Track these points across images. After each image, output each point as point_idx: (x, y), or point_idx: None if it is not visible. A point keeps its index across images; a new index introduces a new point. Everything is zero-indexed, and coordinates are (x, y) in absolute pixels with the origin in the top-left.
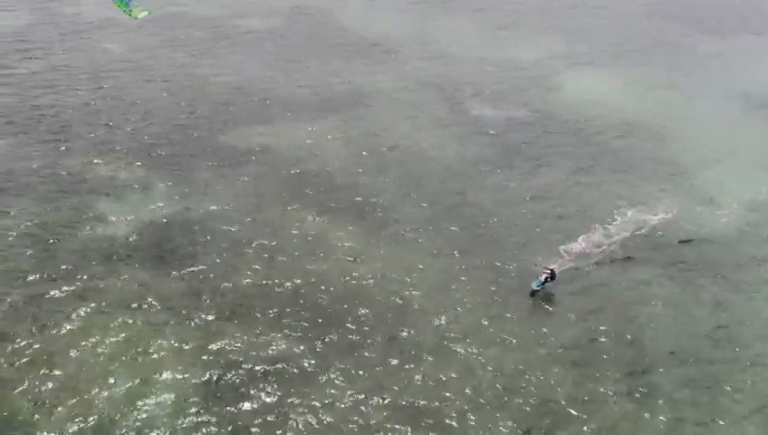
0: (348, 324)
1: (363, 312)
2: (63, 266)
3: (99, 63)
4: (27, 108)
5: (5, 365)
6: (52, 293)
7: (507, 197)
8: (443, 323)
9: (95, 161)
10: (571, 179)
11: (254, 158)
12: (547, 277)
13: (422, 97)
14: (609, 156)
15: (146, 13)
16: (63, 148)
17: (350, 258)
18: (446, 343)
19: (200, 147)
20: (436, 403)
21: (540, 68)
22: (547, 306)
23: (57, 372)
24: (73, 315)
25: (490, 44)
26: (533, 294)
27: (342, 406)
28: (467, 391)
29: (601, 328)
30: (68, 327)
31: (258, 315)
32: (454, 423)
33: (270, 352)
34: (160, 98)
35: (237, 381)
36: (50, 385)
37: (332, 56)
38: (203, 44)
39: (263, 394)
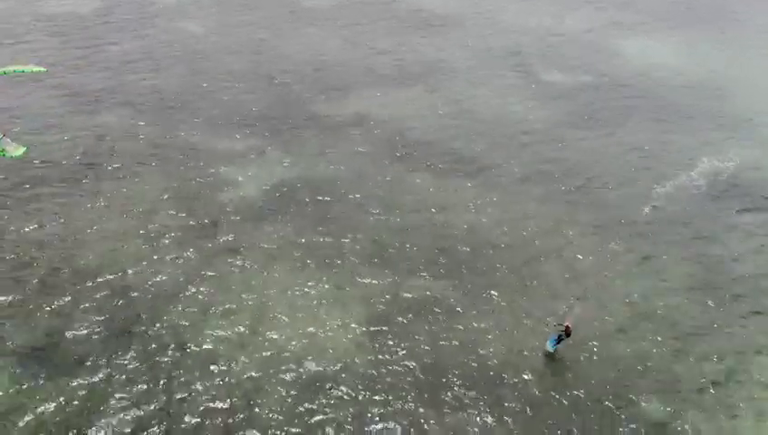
0: (481, 266)
1: (492, 255)
2: (210, 226)
3: (186, 43)
4: (130, 87)
5: (190, 311)
6: (208, 250)
7: (595, 151)
8: (566, 262)
9: (209, 133)
10: (648, 134)
11: (351, 124)
12: (561, 335)
13: (492, 66)
14: (680, 112)
15: (24, 149)
16: (175, 123)
17: (467, 210)
18: (572, 278)
19: (299, 116)
20: (581, 330)
21: (598, 36)
22: (656, 244)
23: (229, 317)
24: (235, 267)
25: (547, 14)
26: (548, 355)
27: (491, 336)
28: (602, 318)
29: (708, 261)
30: (232, 277)
31: (399, 262)
32: (595, 342)
33: (418, 292)
34: (251, 73)
35: (395, 318)
36: (223, 328)
37: (398, 29)
38: (276, 22)
39: (419, 328)
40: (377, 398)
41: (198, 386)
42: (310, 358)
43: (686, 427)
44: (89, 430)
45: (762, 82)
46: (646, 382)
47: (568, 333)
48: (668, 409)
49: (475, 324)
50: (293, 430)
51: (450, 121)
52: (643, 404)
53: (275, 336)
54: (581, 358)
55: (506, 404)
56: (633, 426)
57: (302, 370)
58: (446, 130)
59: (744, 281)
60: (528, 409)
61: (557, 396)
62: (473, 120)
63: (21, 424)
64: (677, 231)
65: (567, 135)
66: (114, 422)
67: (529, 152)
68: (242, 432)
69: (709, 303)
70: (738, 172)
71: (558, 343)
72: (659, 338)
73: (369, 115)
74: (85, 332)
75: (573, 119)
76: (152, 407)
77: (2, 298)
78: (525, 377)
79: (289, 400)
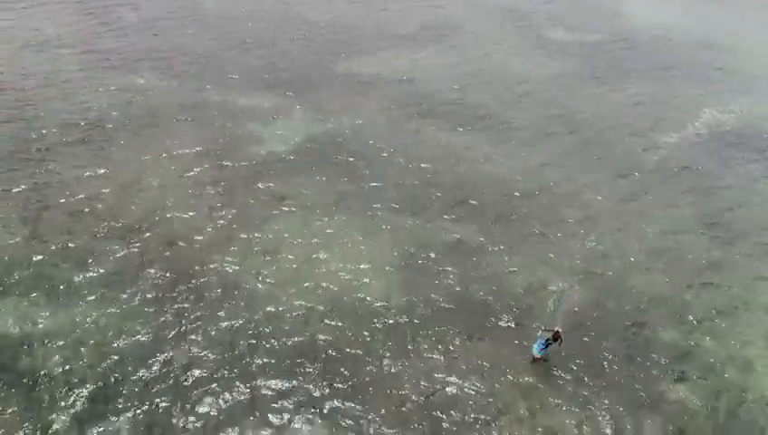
0: (501, 210)
1: (510, 199)
2: (243, 177)
3: (201, 7)
4: (150, 49)
5: (230, 251)
6: (242, 198)
7: (600, 103)
8: (580, 204)
9: (233, 92)
10: (650, 88)
11: (367, 82)
12: (549, 340)
13: (497, 24)
14: (680, 68)
15: None
16: (199, 82)
17: (483, 159)
18: (586, 219)
19: (319, 76)
20: (598, 266)
21: None
22: (664, 186)
23: (267, 257)
24: (270, 214)
25: None
26: (535, 361)
27: (515, 273)
28: (620, 254)
29: (712, 200)
30: (268, 223)
31: (424, 207)
32: (616, 281)
33: (444, 234)
34: (266, 35)
35: (425, 256)
36: (263, 266)
37: None
38: None
39: (448, 265)
40: (410, 326)
41: (245, 316)
42: (346, 291)
43: (700, 352)
44: (148, 361)
45: (757, 38)
46: (660, 312)
47: (556, 337)
48: (682, 335)
49: (500, 262)
50: (335, 354)
51: (460, 78)
52: (659, 331)
53: (313, 273)
54: (600, 291)
55: (532, 332)
56: (650, 352)
57: (339, 302)
58: (456, 85)
59: (746, 218)
60: None
61: (577, 325)
62: (481, 75)
63: (85, 350)
64: (683, 175)
65: (573, 88)
66: (169, 351)
67: (536, 105)
68: (287, 358)
69: (715, 238)
70: (738, 121)
71: (546, 347)
72: (670, 271)
73: (382, 73)
74: (133, 271)
75: (578, 73)
76: (203, 338)
77: (57, 242)
78: (548, 307)
79: (329, 329)
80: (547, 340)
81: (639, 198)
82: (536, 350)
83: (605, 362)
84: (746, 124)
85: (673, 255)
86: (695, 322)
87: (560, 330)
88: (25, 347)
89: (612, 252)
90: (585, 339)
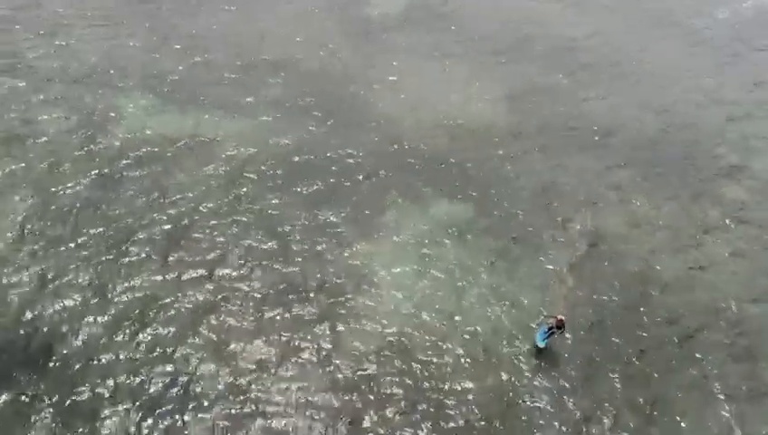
0: (584, 62)
1: (591, 54)
2: (361, 33)
3: None
4: None
5: (361, 85)
6: (368, 49)
7: None
8: (652, 56)
9: None
10: None
11: None
12: (552, 328)
13: None
14: None
15: None
16: None
17: (565, 23)
18: (656, 64)
19: None
20: (661, 100)
21: None
22: (715, 48)
23: (390, 90)
24: (389, 60)
25: None
26: (540, 351)
27: (598, 109)
28: (680, 95)
29: (755, 62)
30: (391, 66)
31: (519, 59)
32: (677, 113)
33: (538, 77)
34: None
35: (523, 93)
36: (392, 96)
37: None
38: None
39: (544, 100)
40: (517, 137)
41: (377, 131)
42: (462, 115)
43: (751, 165)
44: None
45: None
46: (716, 139)
47: (559, 325)
48: (734, 153)
49: (585, 98)
50: (458, 157)
51: None
52: (715, 149)
53: (431, 102)
54: (663, 117)
55: (612, 156)
56: (709, 163)
57: (456, 121)
58: None
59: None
60: (629, 156)
61: (652, 146)
62: None
63: (258, 146)
64: (731, 40)
65: None
66: (321, 154)
67: None
68: (418, 162)
69: (743, 81)
70: None
71: (548, 336)
72: (722, 106)
73: None
74: (283, 95)
75: None
76: (345, 143)
77: (223, 72)
78: (628, 133)
79: (451, 138)
80: (550, 328)
81: (696, 55)
82: (539, 340)
83: (671, 169)
84: None
85: (720, 94)
86: (742, 144)
87: (563, 318)
88: (217, 143)
89: (674, 90)
90: (657, 164)
